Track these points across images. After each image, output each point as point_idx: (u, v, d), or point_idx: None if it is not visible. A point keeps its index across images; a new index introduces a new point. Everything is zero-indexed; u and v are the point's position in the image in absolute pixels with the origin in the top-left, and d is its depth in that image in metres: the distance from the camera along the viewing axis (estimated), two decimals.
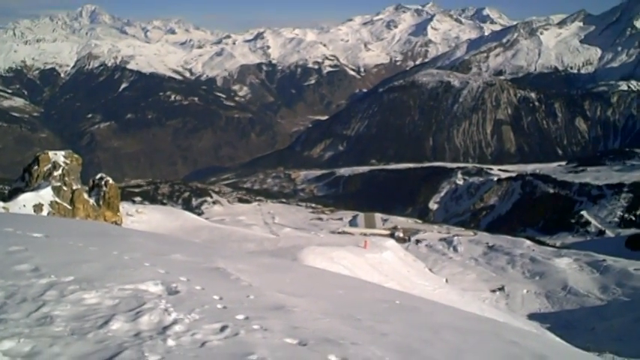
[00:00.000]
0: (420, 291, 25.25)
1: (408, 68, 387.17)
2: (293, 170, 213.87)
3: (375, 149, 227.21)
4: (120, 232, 15.60)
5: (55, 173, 29.22)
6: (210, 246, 16.87)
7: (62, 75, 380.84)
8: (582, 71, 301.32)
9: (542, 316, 47.11)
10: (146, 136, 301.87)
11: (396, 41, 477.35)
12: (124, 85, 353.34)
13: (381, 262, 31.24)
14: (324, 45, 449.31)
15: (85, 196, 30.26)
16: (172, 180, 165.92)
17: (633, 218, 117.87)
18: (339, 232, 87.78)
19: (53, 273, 6.47)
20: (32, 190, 27.95)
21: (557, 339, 26.40)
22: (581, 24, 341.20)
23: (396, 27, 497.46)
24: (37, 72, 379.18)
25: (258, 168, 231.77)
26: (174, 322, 5.22)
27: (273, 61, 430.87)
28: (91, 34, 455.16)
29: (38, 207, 26.41)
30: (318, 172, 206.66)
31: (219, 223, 63.52)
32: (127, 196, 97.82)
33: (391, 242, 41.10)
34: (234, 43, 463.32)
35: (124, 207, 40.45)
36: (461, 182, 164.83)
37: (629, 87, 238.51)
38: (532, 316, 46.40)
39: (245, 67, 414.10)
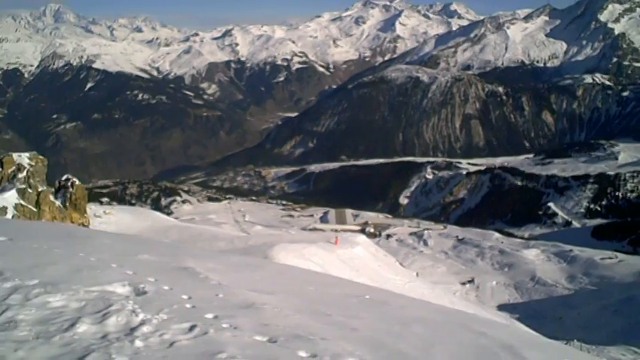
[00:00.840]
0: (391, 285, 25.40)
1: (377, 64, 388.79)
2: (263, 168, 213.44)
3: (345, 145, 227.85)
4: (86, 233, 15.39)
5: (20, 175, 28.67)
6: (180, 245, 16.75)
7: (26, 75, 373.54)
8: (548, 65, 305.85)
9: (512, 306, 47.81)
10: (113, 136, 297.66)
11: (364, 37, 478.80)
12: (89, 85, 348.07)
13: (352, 257, 31.36)
14: (293, 42, 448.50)
15: (51, 197, 29.75)
16: (141, 180, 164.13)
17: (599, 209, 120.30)
18: (310, 229, 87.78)
19: (17, 276, 6.35)
20: None
21: (526, 329, 26.82)
22: (546, 18, 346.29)
23: (364, 23, 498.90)
24: None
25: (227, 166, 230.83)
26: (142, 323, 5.15)
27: (242, 59, 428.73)
28: (56, 33, 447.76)
29: (2, 210, 25.90)
30: (289, 169, 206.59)
31: (189, 222, 63.12)
32: (94, 197, 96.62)
33: (362, 238, 41.28)
34: (202, 41, 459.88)
35: (92, 208, 39.94)
36: (430, 176, 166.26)
37: (593, 80, 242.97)
38: (502, 307, 47.06)
39: (213, 65, 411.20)
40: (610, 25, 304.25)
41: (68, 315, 5.20)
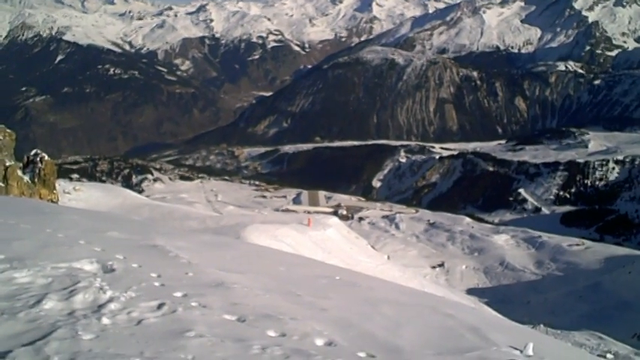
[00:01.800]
0: (362, 268, 25.58)
1: (352, 45, 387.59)
2: (236, 147, 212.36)
3: (320, 126, 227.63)
4: (54, 209, 15.19)
5: None
6: (150, 224, 16.63)
7: None
8: (523, 51, 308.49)
9: (481, 291, 48.58)
10: (84, 111, 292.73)
11: (341, 17, 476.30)
12: (60, 57, 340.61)
13: (324, 239, 31.48)
14: (269, 19, 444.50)
15: (19, 173, 29.23)
16: (112, 156, 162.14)
17: (568, 196, 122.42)
18: (282, 210, 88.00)
19: None
20: None
21: (494, 312, 27.26)
22: (522, 4, 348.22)
23: (341, 2, 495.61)
24: None
25: (200, 144, 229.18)
26: (110, 300, 5.11)
27: (217, 35, 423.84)
28: (25, 2, 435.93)
29: None
30: (262, 150, 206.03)
31: (161, 201, 62.71)
32: (64, 173, 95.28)
33: (334, 220, 41.43)
34: (175, 16, 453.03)
35: (61, 184, 39.36)
36: (404, 160, 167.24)
37: (566, 67, 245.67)
38: (471, 291, 47.79)
39: (187, 41, 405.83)
40: (584, 12, 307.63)
41: (34, 291, 5.14)
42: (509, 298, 44.90)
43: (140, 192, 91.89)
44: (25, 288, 5.22)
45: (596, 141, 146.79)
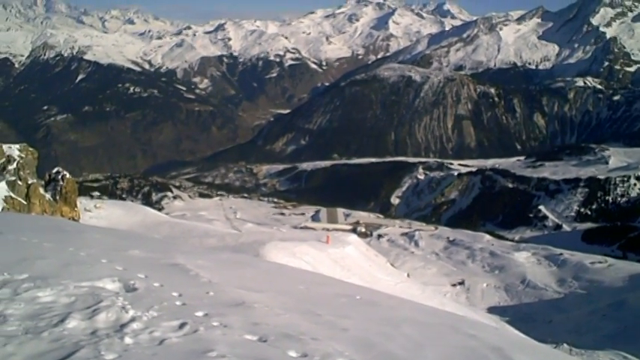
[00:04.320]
0: (381, 286, 25.44)
1: (369, 62, 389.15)
2: (255, 165, 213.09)
3: (337, 143, 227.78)
4: (76, 227, 15.31)
5: (10, 167, 28.49)
6: (170, 242, 16.70)
7: (16, 65, 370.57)
8: (540, 67, 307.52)
9: (502, 309, 47.95)
10: (104, 129, 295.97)
11: (357, 35, 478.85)
12: (80, 77, 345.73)
13: (344, 257, 31.37)
14: (286, 38, 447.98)
15: (41, 190, 29.60)
16: (132, 174, 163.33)
17: (589, 213, 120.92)
18: (301, 227, 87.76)
19: (6, 270, 6.31)
20: None
21: (516, 331, 26.92)
22: (539, 20, 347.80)
23: (357, 20, 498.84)
24: None
25: (219, 162, 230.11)
26: (132, 319, 5.13)
27: (235, 54, 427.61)
28: (47, 23, 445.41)
29: None
30: (281, 167, 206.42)
31: (180, 218, 63.00)
32: (84, 190, 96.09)
33: (353, 237, 41.30)
34: (194, 35, 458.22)
35: (82, 202, 39.75)
36: (422, 177, 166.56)
37: (585, 83, 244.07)
38: (491, 310, 47.18)
39: (206, 59, 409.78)
40: (602, 28, 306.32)
41: (58, 310, 5.17)
42: (530, 317, 44.27)
43: (160, 209, 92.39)
44: (49, 307, 5.26)
45: (616, 157, 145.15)
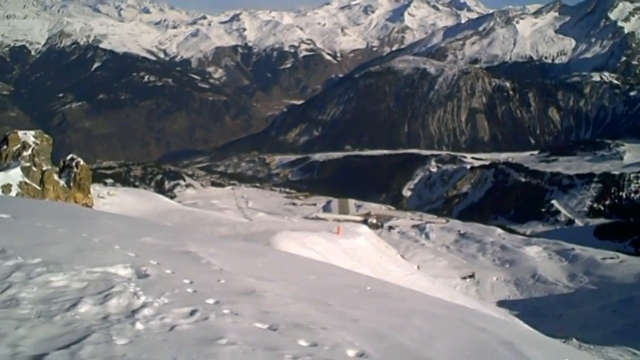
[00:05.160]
0: (391, 277, 25.43)
1: (384, 54, 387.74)
2: (267, 155, 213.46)
3: (350, 135, 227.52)
4: (90, 214, 15.41)
5: (25, 153, 28.71)
6: (182, 229, 16.77)
7: (33, 53, 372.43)
8: (556, 61, 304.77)
9: (512, 303, 47.87)
10: (119, 117, 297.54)
11: (372, 26, 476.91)
12: (96, 65, 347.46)
13: (354, 248, 31.38)
14: (301, 29, 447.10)
15: (55, 177, 29.81)
16: (145, 162, 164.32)
17: (602, 208, 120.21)
18: (312, 218, 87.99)
19: (20, 255, 6.35)
20: (0, 170, 27.45)
21: (525, 326, 26.86)
22: (556, 14, 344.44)
23: (373, 12, 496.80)
24: (6, 49, 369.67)
25: (232, 152, 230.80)
26: (143, 305, 5.15)
27: (249, 44, 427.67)
28: (63, 11, 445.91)
29: (6, 187, 25.95)
30: (293, 157, 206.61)
31: (192, 206, 63.22)
32: (98, 177, 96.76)
33: (364, 228, 41.28)
34: (209, 25, 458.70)
35: (95, 189, 39.99)
36: (434, 170, 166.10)
37: (601, 78, 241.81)
38: (501, 303, 47.13)
39: (220, 49, 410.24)
40: (620, 23, 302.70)
41: (70, 295, 5.20)
42: (540, 311, 44.15)
43: (172, 198, 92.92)
44: (61, 292, 5.29)
45: (631, 153, 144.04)
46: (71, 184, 30.77)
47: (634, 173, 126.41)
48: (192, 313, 5.13)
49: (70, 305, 4.89)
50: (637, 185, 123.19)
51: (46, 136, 31.01)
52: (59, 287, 5.42)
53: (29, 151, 28.84)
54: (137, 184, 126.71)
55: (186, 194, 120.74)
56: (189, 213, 39.74)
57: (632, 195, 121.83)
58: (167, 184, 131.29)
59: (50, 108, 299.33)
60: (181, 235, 12.23)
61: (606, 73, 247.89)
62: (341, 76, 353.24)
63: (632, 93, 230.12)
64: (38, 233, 8.30)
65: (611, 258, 57.41)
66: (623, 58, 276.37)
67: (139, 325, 4.63)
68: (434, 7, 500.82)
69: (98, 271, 6.14)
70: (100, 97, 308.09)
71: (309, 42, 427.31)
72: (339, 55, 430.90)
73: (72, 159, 32.15)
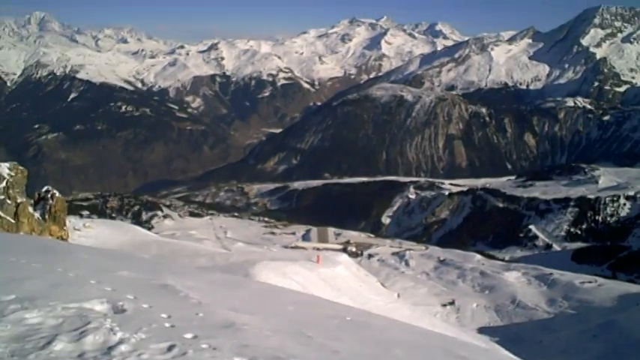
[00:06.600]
0: (372, 306, 25.34)
1: (362, 82, 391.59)
2: (246, 184, 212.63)
3: (329, 163, 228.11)
4: (65, 247, 15.21)
5: None
6: (160, 262, 16.60)
7: (8, 84, 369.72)
8: (531, 87, 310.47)
9: (492, 329, 47.76)
10: (95, 148, 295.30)
11: (350, 55, 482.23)
12: (73, 95, 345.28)
13: (334, 277, 31.25)
14: (279, 57, 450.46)
15: (30, 209, 29.40)
16: (122, 193, 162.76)
17: (579, 232, 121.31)
18: (292, 247, 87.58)
19: None
20: None
21: (506, 352, 26.82)
22: (530, 41, 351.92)
23: (350, 41, 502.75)
24: None
25: (210, 181, 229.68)
26: (120, 341, 5.09)
27: (227, 73, 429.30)
28: (40, 41, 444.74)
29: None
30: (272, 186, 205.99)
31: (170, 237, 62.68)
32: (74, 209, 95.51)
33: (344, 257, 41.19)
34: (187, 54, 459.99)
35: (71, 221, 39.48)
36: (413, 196, 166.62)
37: (575, 103, 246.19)
38: (482, 330, 47.00)
39: (198, 79, 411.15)
40: (592, 49, 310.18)
41: (45, 332, 5.12)
42: (521, 338, 44.06)
43: (150, 229, 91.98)
44: (36, 329, 5.21)
45: (606, 177, 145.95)
46: (46, 217, 30.37)
47: (609, 197, 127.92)
48: (170, 348, 5.08)
49: (45, 343, 4.81)
50: (612, 209, 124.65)
51: (20, 167, 30.64)
52: (33, 324, 5.34)
53: (3, 184, 28.45)
54: (114, 215, 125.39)
55: (164, 225, 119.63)
56: (167, 244, 39.34)
57: (608, 219, 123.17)
58: (144, 215, 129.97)
59: (26, 139, 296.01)
60: (159, 267, 12.11)
61: (580, 99, 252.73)
62: (319, 104, 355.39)
63: (606, 118, 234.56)
64: (12, 268, 8.17)
65: (590, 282, 57.71)
66: (596, 84, 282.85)
67: None
68: (410, 35, 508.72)
69: (74, 307, 6.05)
70: (77, 128, 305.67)
71: (287, 70, 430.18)
72: (317, 83, 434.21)
73: (47, 191, 31.77)
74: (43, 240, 19.34)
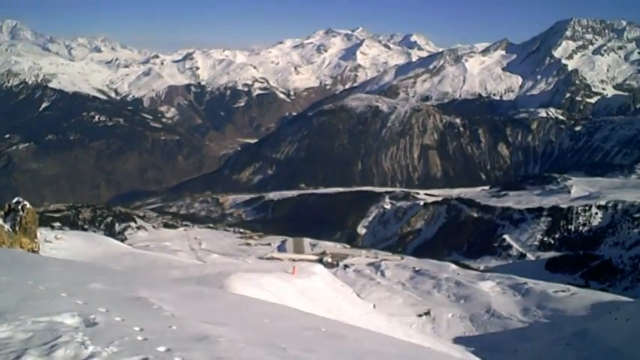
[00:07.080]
0: (347, 317, 25.33)
1: (337, 92, 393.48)
2: (221, 194, 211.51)
3: (304, 173, 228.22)
4: (36, 260, 14.97)
5: None
6: (133, 274, 16.41)
7: None
8: (504, 98, 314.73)
9: (467, 339, 47.98)
10: (68, 158, 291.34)
11: (326, 65, 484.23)
12: (45, 105, 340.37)
13: (310, 288, 31.17)
14: (255, 67, 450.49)
15: (0, 221, 28.91)
16: (94, 204, 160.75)
17: (552, 242, 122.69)
18: (267, 258, 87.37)
19: None
20: None
21: None
22: (503, 52, 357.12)
23: (326, 51, 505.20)
24: None
25: (185, 192, 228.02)
26: (91, 355, 5.02)
27: (202, 83, 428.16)
28: (11, 50, 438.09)
29: None
30: (247, 197, 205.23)
31: (144, 249, 62.09)
32: (45, 221, 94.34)
33: (319, 268, 41.08)
34: (162, 63, 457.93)
35: (42, 233, 38.92)
36: (389, 206, 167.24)
37: (547, 114, 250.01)
38: (457, 340, 47.18)
39: (173, 88, 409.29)
40: (564, 61, 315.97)
41: (14, 347, 5.03)
42: (496, 347, 44.34)
43: (123, 240, 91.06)
44: (5, 343, 5.12)
45: (578, 186, 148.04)
46: (17, 229, 29.85)
47: (581, 206, 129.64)
48: None
49: (14, 358, 4.74)
50: (584, 218, 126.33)
51: None
52: (2, 339, 5.26)
53: None
54: (86, 227, 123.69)
55: (138, 236, 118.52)
56: (141, 256, 38.96)
57: (580, 228, 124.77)
58: (117, 227, 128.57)
59: None
60: (132, 279, 11.98)
61: (552, 109, 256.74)
62: (295, 114, 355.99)
63: (577, 128, 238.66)
64: None
65: (563, 291, 58.39)
66: (568, 95, 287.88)
67: None
68: (385, 45, 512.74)
69: (44, 321, 5.95)
70: (49, 138, 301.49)
71: (262, 81, 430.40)
72: (292, 93, 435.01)
73: (18, 202, 31.24)
74: (12, 252, 19.02)
